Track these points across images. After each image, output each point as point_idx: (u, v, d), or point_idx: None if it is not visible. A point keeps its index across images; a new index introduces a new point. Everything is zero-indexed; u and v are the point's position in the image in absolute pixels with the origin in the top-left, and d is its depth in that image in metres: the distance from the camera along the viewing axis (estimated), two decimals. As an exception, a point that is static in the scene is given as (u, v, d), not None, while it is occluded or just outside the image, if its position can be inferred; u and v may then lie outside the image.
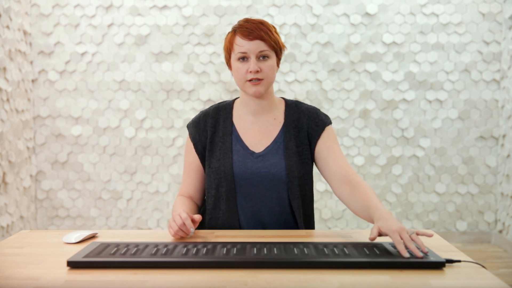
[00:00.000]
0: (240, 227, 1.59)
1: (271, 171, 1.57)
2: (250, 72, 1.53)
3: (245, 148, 1.61)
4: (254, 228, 1.59)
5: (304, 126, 1.63)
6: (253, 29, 1.54)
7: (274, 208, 1.59)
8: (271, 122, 1.64)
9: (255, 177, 1.57)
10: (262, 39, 1.54)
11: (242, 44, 1.54)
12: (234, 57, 1.57)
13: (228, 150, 1.60)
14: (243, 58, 1.55)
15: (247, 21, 1.57)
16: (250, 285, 1.07)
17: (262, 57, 1.55)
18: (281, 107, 1.67)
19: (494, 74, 3.75)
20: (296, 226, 1.62)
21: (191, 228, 1.38)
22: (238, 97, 1.70)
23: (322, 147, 1.61)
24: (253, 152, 1.60)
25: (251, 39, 1.53)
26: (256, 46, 1.53)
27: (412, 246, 1.19)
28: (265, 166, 1.57)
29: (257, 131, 1.63)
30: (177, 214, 1.39)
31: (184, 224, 1.38)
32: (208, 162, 1.62)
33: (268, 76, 1.56)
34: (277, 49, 1.58)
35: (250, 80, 1.55)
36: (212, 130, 1.64)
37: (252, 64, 1.53)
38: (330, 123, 1.66)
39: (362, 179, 1.55)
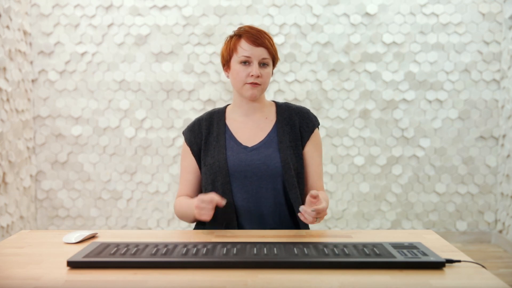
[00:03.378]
0: (237, 220, 1.62)
1: (265, 162, 1.62)
2: (252, 75, 1.61)
3: (238, 144, 1.66)
4: (250, 221, 1.61)
5: (296, 124, 1.70)
6: (259, 36, 1.62)
7: (269, 200, 1.62)
8: (263, 121, 1.71)
9: (250, 169, 1.61)
10: (266, 46, 1.63)
11: (247, 49, 1.62)
12: (236, 59, 1.64)
13: (222, 147, 1.65)
14: (245, 62, 1.62)
15: (251, 28, 1.65)
16: (250, 285, 1.07)
17: (263, 64, 1.63)
18: (272, 108, 1.75)
19: (494, 74, 3.75)
20: (290, 218, 1.65)
21: (221, 200, 1.46)
22: (229, 104, 1.78)
23: (307, 153, 1.70)
24: (246, 147, 1.65)
25: (256, 45, 1.62)
26: (260, 52, 1.62)
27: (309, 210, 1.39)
28: (259, 158, 1.63)
29: (250, 128, 1.70)
30: (199, 200, 1.46)
31: (210, 202, 1.45)
32: (204, 161, 1.68)
33: (265, 83, 1.65)
34: (275, 59, 1.68)
35: (249, 83, 1.62)
36: (206, 132, 1.70)
37: (255, 68, 1.61)
38: (319, 124, 1.74)
39: (324, 193, 1.68)
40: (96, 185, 3.83)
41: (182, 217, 1.67)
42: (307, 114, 1.73)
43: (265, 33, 1.65)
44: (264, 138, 1.67)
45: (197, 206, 1.47)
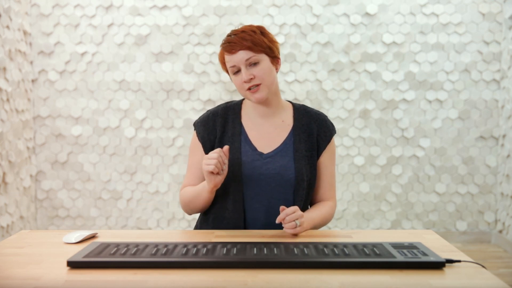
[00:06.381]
0: (245, 227, 1.59)
1: (280, 172, 1.58)
2: (245, 82, 1.54)
3: (254, 149, 1.61)
4: (259, 229, 1.59)
5: (314, 132, 1.64)
6: (235, 42, 1.54)
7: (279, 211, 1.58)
8: (280, 124, 1.65)
9: (264, 178, 1.57)
10: (244, 48, 1.53)
11: (228, 60, 1.56)
12: (229, 72, 1.59)
13: (237, 151, 1.60)
14: (237, 71, 1.56)
15: (229, 35, 1.58)
16: (250, 285, 1.07)
17: (253, 63, 1.55)
18: (289, 110, 1.68)
19: (494, 74, 3.75)
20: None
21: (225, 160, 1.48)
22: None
23: (323, 163, 1.66)
24: (262, 153, 1.60)
25: (234, 52, 1.54)
26: (240, 56, 1.54)
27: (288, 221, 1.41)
28: (274, 167, 1.58)
29: (266, 132, 1.64)
30: (211, 152, 1.47)
31: (220, 156, 1.46)
32: None
33: (265, 79, 1.55)
34: (266, 49, 1.56)
35: (249, 89, 1.55)
36: (221, 130, 1.64)
37: (244, 74, 1.54)
38: (335, 132, 1.70)
39: (332, 202, 1.67)
40: (96, 185, 3.83)
41: (191, 201, 1.61)
42: (324, 122, 1.67)
43: (244, 31, 1.55)
44: (280, 145, 1.61)
45: (206, 161, 1.46)
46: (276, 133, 1.64)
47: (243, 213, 1.58)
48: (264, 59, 1.56)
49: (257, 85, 1.54)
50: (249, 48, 1.53)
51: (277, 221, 1.42)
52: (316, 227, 1.59)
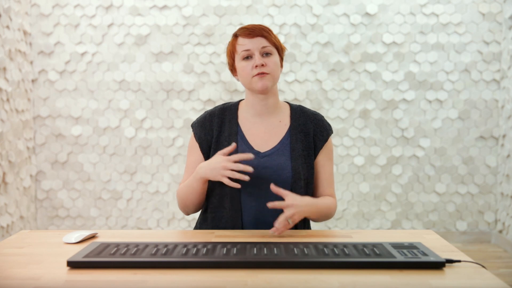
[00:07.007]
0: (242, 226, 1.60)
1: (277, 171, 1.58)
2: (256, 66, 1.56)
3: (250, 148, 1.62)
4: (257, 228, 1.59)
5: (310, 131, 1.66)
6: (254, 29, 1.59)
7: (277, 209, 1.57)
8: (277, 124, 1.66)
9: (261, 176, 1.57)
10: (263, 36, 1.59)
11: (244, 43, 1.58)
12: (238, 58, 1.60)
13: (234, 150, 1.60)
14: (248, 57, 1.59)
15: (246, 25, 1.63)
16: (250, 285, 1.07)
17: (266, 53, 1.59)
18: (286, 110, 1.70)
19: (494, 74, 3.75)
20: (295, 227, 1.62)
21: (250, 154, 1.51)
22: (243, 99, 1.72)
23: (320, 162, 1.67)
24: (259, 152, 1.61)
25: (252, 37, 1.58)
26: (258, 42, 1.58)
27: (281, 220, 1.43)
28: (271, 166, 1.59)
29: (263, 131, 1.65)
30: (219, 159, 1.50)
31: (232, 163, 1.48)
32: None
33: (273, 71, 1.59)
34: (278, 47, 1.63)
35: (256, 75, 1.57)
36: (218, 130, 1.65)
37: (257, 58, 1.57)
38: (332, 132, 1.71)
39: (332, 199, 1.66)
40: (96, 185, 3.83)
41: (187, 196, 1.62)
42: (321, 122, 1.68)
43: (261, 25, 1.62)
44: (277, 145, 1.63)
45: (224, 167, 1.47)
46: (273, 133, 1.65)
47: (241, 211, 1.59)
48: (276, 54, 1.62)
49: (265, 73, 1.57)
50: (266, 38, 1.59)
51: (273, 228, 1.45)
52: (318, 211, 1.56)
